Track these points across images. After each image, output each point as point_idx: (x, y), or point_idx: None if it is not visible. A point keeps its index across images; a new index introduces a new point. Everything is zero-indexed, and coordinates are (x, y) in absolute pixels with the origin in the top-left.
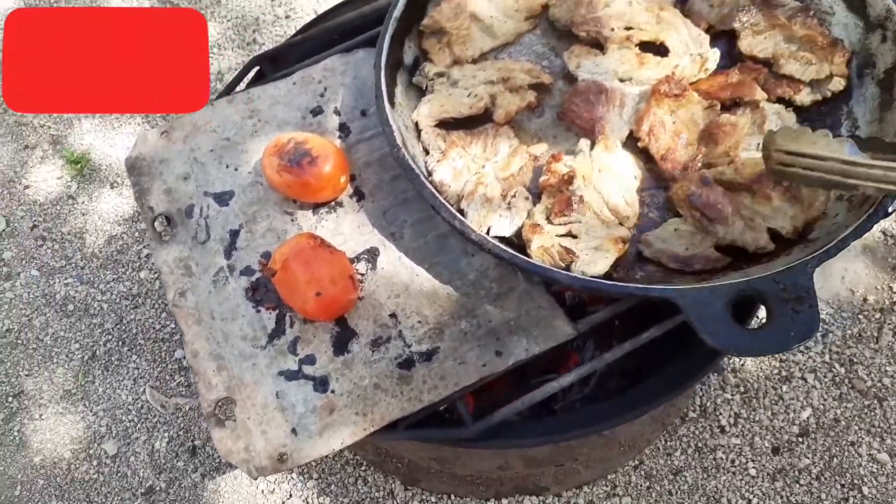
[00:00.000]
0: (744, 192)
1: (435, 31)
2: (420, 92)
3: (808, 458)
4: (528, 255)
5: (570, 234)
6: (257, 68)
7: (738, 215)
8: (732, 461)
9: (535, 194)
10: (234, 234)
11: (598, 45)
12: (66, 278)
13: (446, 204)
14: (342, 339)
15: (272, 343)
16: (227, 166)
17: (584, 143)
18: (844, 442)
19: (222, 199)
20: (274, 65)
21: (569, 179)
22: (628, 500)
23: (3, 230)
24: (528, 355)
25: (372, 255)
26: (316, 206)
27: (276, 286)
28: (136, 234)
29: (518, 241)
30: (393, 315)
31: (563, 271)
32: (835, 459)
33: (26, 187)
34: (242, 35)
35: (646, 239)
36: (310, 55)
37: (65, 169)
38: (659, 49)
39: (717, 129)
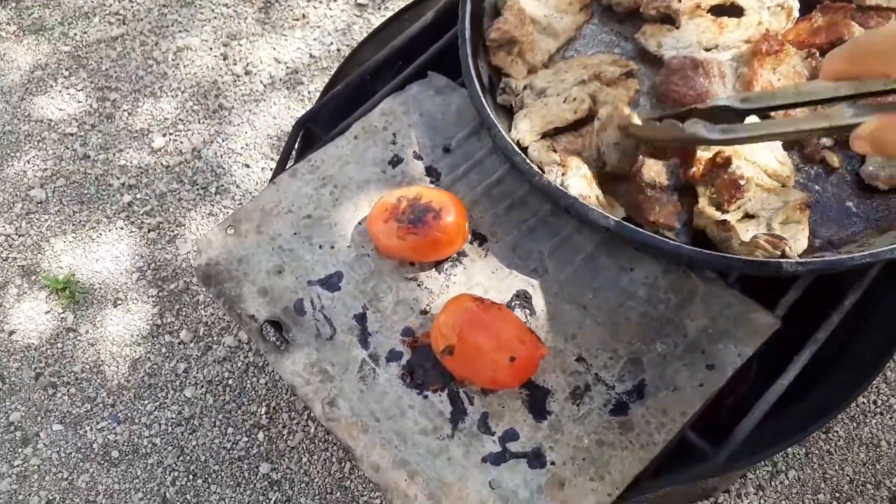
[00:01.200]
0: None
1: (504, 43)
2: (507, 112)
3: None
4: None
5: (747, 216)
6: (301, 133)
7: None
8: (874, 402)
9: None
10: (361, 318)
11: (668, 20)
12: (97, 423)
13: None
14: (537, 401)
15: (458, 428)
16: (321, 246)
17: None
18: None
19: (331, 283)
20: (319, 125)
21: (724, 162)
22: (793, 472)
23: (1, 389)
24: (743, 359)
25: (524, 299)
26: (437, 264)
27: (447, 364)
28: (164, 351)
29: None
30: (580, 359)
31: (783, 260)
32: None
33: (11, 333)
34: (205, 104)
35: (869, 173)
36: (355, 104)
37: (52, 300)
38: (729, 11)
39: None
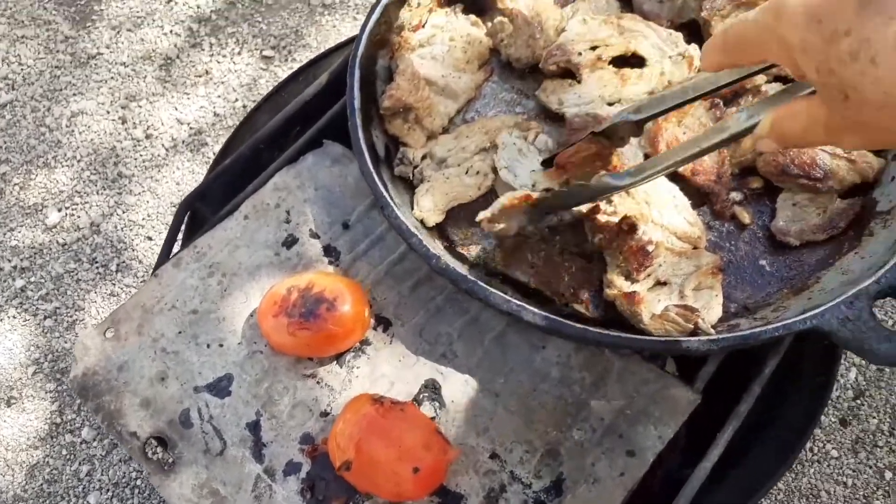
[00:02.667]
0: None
1: (398, 110)
2: (405, 183)
3: (874, 417)
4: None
5: (658, 283)
6: (188, 214)
7: (837, 157)
8: (811, 450)
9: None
10: (255, 426)
11: (568, 74)
12: None
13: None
14: None
15: None
16: (209, 345)
17: None
18: None
19: (220, 388)
20: (207, 204)
21: (630, 228)
22: None
23: None
24: (664, 442)
25: (433, 390)
26: (338, 357)
27: (348, 478)
28: (64, 453)
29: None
30: (494, 455)
31: (691, 338)
32: None
33: None
34: (103, 172)
35: (780, 228)
36: (246, 178)
37: None
38: (631, 62)
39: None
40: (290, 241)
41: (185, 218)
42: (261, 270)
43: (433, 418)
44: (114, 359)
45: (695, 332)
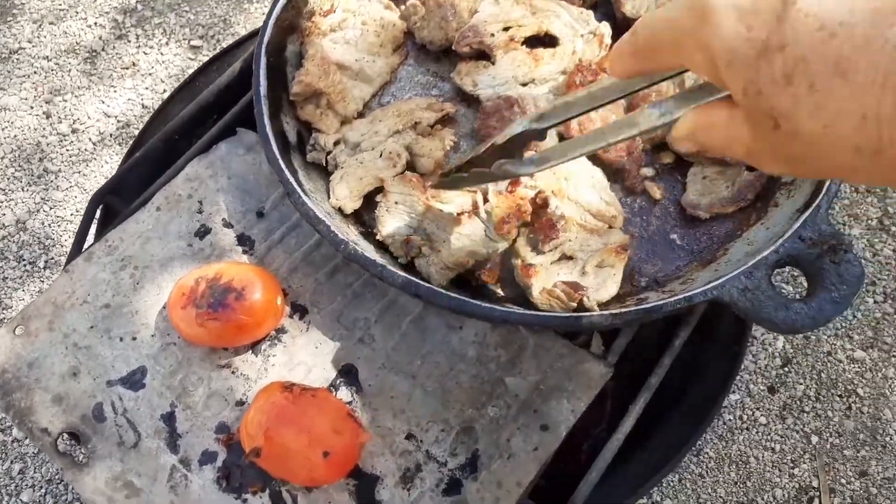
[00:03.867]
0: None
1: (308, 96)
2: (320, 169)
3: (800, 383)
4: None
5: (564, 257)
6: (101, 208)
7: None
8: (740, 417)
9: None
10: (169, 417)
11: (483, 55)
12: None
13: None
14: (366, 492)
15: None
16: (121, 339)
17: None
18: (822, 354)
19: (134, 381)
20: (120, 198)
21: (543, 203)
22: (668, 502)
23: None
24: (576, 415)
25: (350, 375)
26: (253, 346)
27: (261, 465)
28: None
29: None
30: (410, 436)
31: (578, 314)
32: (822, 374)
33: None
34: (28, 168)
35: (690, 202)
36: (160, 170)
37: None
38: (544, 41)
39: (643, 103)
40: (203, 232)
41: (98, 212)
42: (173, 262)
43: (350, 403)
44: (24, 356)
45: (579, 308)
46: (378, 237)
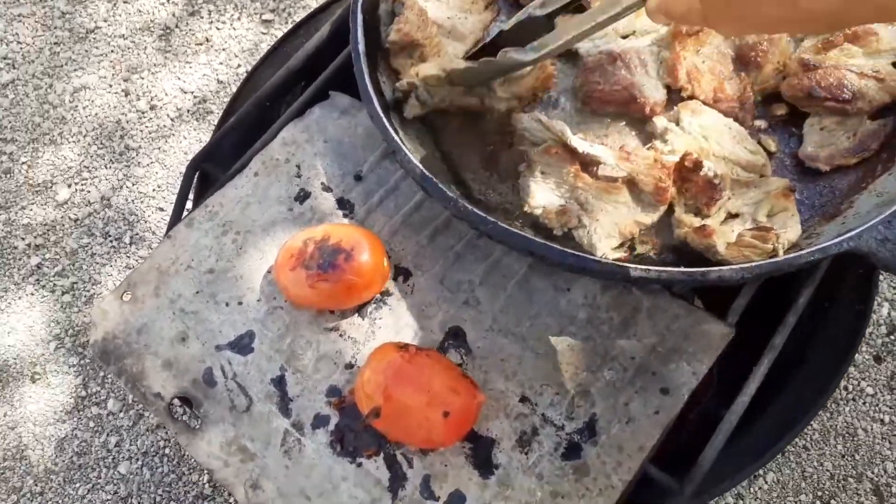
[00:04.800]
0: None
1: (405, 45)
2: (415, 130)
3: None
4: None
5: (730, 216)
6: (196, 175)
7: (865, 77)
8: (845, 388)
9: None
10: (280, 381)
11: (580, 8)
12: None
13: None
14: (482, 455)
15: (398, 497)
16: (227, 304)
17: (661, 123)
18: None
19: (242, 346)
20: (215, 164)
21: (695, 165)
22: (771, 475)
23: None
24: (698, 378)
25: (457, 337)
26: (359, 309)
27: (376, 427)
28: (92, 425)
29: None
30: (524, 399)
31: (773, 259)
32: None
33: None
34: (110, 146)
35: (808, 154)
36: (253, 136)
37: None
38: None
39: (752, 51)
40: (303, 196)
41: (195, 179)
42: (275, 226)
43: (460, 365)
44: (132, 322)
45: (774, 253)
46: (525, 208)
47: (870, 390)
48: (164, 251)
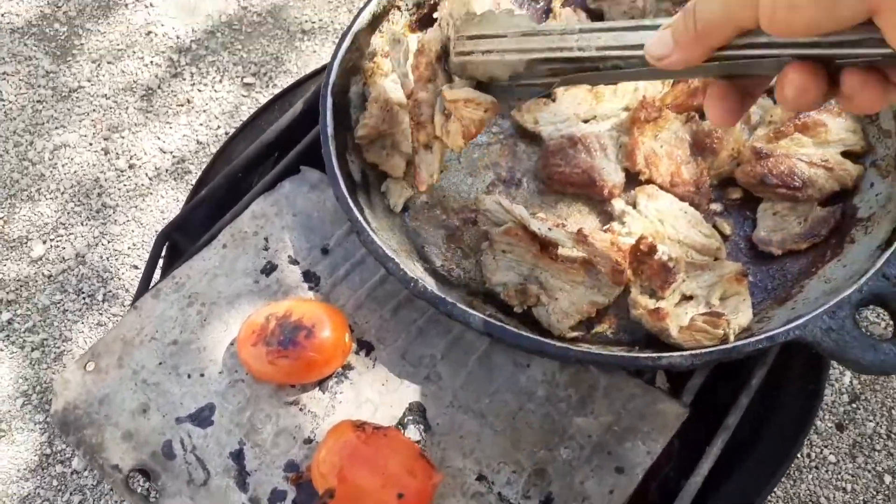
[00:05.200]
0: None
1: (374, 138)
2: (382, 208)
3: (870, 420)
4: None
5: (685, 298)
6: (166, 245)
7: (814, 166)
8: (808, 455)
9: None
10: (238, 455)
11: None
12: None
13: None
14: None
15: None
16: (189, 375)
17: (619, 205)
18: (891, 390)
19: (202, 418)
20: (186, 235)
21: (650, 248)
22: None
23: None
24: (653, 457)
25: (417, 413)
26: (321, 382)
27: None
28: (55, 483)
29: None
30: (481, 477)
31: (722, 346)
32: (893, 411)
33: None
34: (87, 203)
35: (761, 239)
36: (224, 208)
37: None
38: None
39: (708, 138)
40: (269, 269)
41: (164, 249)
42: (240, 298)
43: (418, 442)
44: (94, 392)
45: (725, 338)
46: (487, 285)
47: (832, 458)
48: (130, 322)
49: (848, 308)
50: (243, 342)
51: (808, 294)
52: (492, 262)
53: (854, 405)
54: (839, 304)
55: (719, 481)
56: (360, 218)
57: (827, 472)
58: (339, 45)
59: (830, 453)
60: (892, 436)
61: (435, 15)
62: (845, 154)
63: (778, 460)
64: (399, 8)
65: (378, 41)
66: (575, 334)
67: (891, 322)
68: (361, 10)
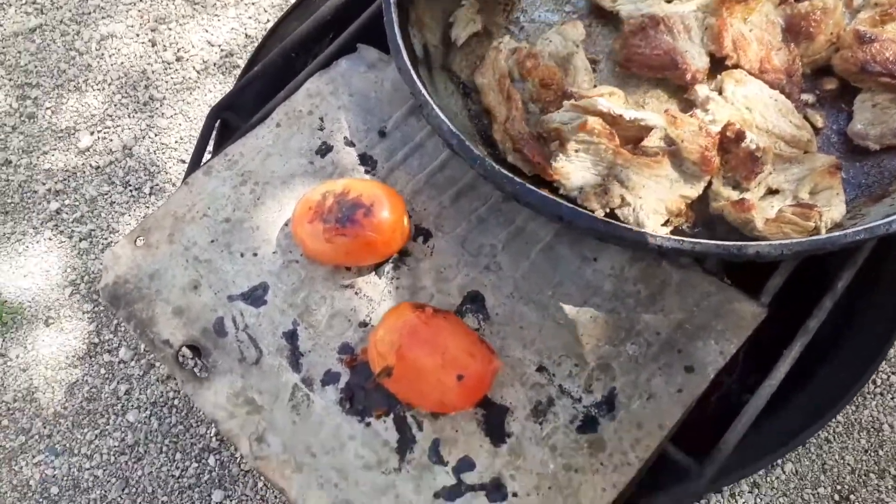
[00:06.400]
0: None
1: None
2: (444, 87)
3: None
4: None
5: (770, 192)
6: (218, 123)
7: None
8: (874, 381)
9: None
10: (292, 335)
11: None
12: (34, 456)
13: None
14: (495, 423)
15: (406, 460)
16: (242, 254)
17: (703, 91)
18: None
19: (255, 297)
20: (237, 113)
21: (737, 136)
22: (790, 466)
23: None
24: (726, 358)
25: (476, 302)
26: (377, 267)
27: (389, 387)
28: (102, 372)
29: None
30: (541, 368)
31: (814, 237)
32: None
33: None
34: (134, 95)
35: (858, 132)
36: (277, 86)
37: None
38: None
39: (804, 21)
40: (325, 149)
41: (215, 127)
42: (294, 179)
43: (477, 330)
44: (145, 267)
45: (816, 231)
46: (562, 191)
47: None
48: (181, 198)
49: None
50: (299, 219)
51: None
52: (565, 164)
53: None
54: None
55: (793, 389)
56: (424, 91)
57: (893, 398)
58: None
59: None
60: None
61: None
62: None
63: (856, 373)
64: None
65: None
66: (667, 231)
67: None
68: None
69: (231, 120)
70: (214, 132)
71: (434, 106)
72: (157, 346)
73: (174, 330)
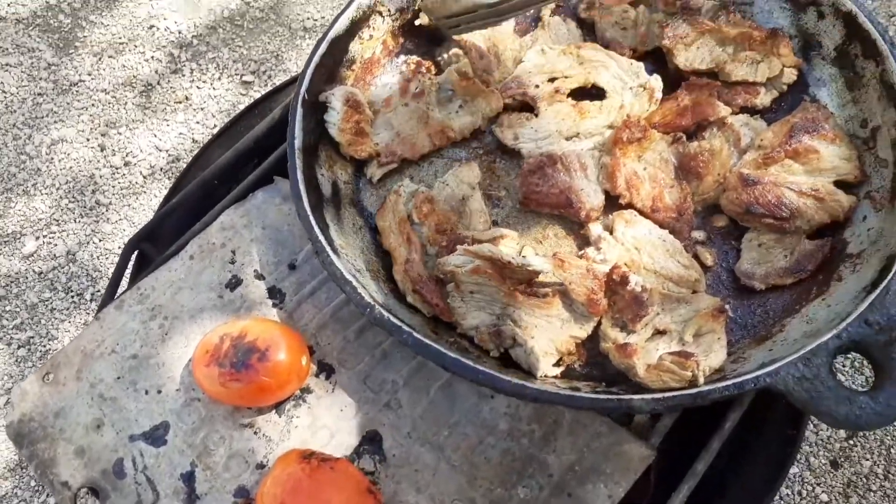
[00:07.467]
0: (779, 169)
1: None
2: (352, 224)
3: (867, 459)
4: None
5: (657, 333)
6: (136, 254)
7: (804, 195)
8: (800, 493)
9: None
10: (189, 477)
11: (527, 107)
12: None
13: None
14: None
15: None
16: (147, 392)
17: (595, 230)
18: (891, 427)
19: (156, 437)
20: (155, 244)
21: (622, 279)
22: None
23: None
24: (614, 502)
25: (374, 443)
26: (278, 405)
27: None
28: (32, 484)
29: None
30: None
31: (685, 392)
32: (892, 450)
33: None
34: (81, 200)
35: (744, 271)
36: (194, 218)
37: None
38: (592, 93)
39: (693, 161)
40: (235, 283)
41: (133, 258)
42: (203, 313)
43: (372, 473)
44: (51, 404)
45: (693, 380)
46: (459, 331)
47: (825, 497)
48: (91, 333)
49: (825, 355)
50: (198, 362)
51: (788, 335)
52: (461, 304)
53: (851, 442)
54: (816, 350)
55: None
56: (321, 237)
57: None
58: (313, 53)
59: (823, 492)
60: (891, 476)
61: (417, 22)
62: (838, 184)
63: None
64: (381, 13)
65: (357, 47)
66: (558, 371)
67: (872, 372)
68: (339, 15)
69: (148, 251)
70: (131, 263)
71: (329, 252)
72: (56, 487)
73: (74, 472)
